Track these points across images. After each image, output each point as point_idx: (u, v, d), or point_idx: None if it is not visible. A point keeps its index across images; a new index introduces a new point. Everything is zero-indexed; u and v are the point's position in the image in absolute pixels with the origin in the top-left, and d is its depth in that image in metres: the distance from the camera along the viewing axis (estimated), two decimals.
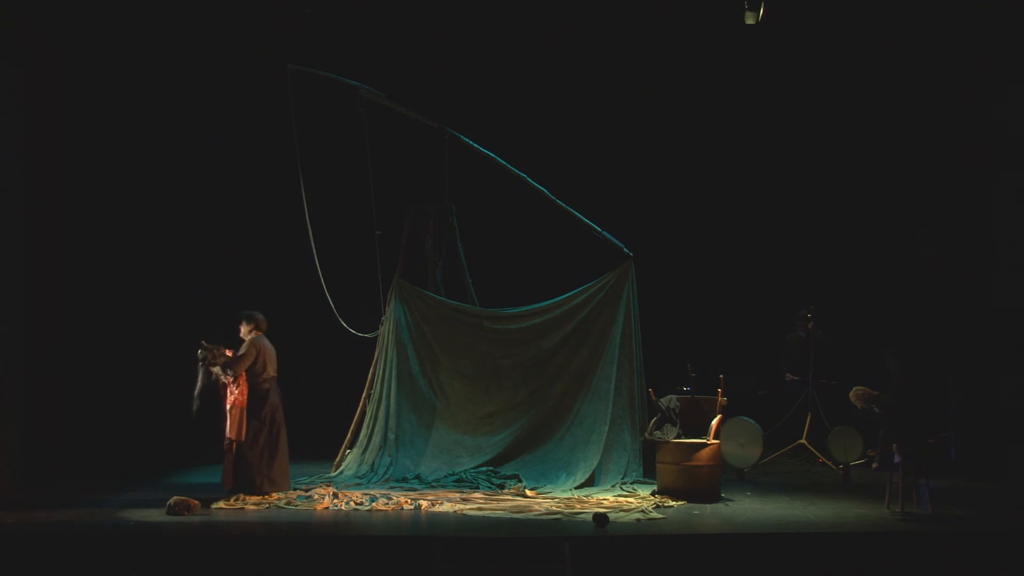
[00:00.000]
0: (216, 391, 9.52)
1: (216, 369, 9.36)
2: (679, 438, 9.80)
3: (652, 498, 9.57)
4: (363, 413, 11.09)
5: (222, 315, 12.41)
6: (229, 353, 9.44)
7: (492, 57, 12.42)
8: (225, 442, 9.42)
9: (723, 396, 9.88)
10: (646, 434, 9.95)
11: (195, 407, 9.45)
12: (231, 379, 9.37)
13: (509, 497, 9.66)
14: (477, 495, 9.74)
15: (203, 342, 9.37)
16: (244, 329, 9.68)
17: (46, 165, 10.76)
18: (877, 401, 9.83)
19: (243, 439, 9.35)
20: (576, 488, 10.06)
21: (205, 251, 12.54)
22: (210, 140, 12.41)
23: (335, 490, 9.82)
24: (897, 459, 9.20)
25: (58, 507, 9.10)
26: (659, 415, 10.01)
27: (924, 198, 12.12)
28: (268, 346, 9.67)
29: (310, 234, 10.93)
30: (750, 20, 10.98)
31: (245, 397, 9.39)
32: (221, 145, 12.46)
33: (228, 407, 9.43)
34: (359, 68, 11.37)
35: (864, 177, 12.60)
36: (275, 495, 9.43)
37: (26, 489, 9.89)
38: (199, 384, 9.39)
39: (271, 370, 9.60)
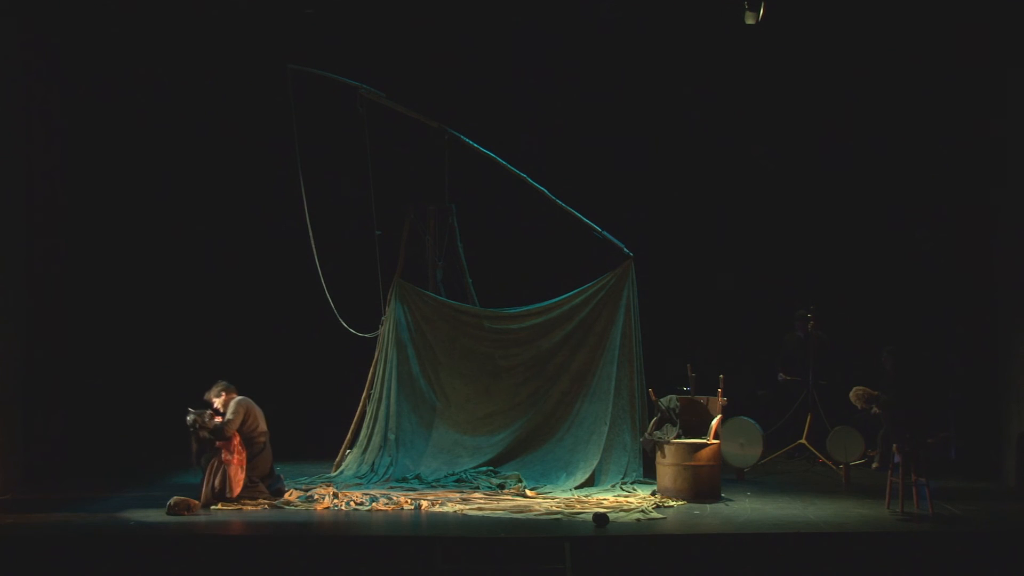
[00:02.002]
0: (210, 447, 9.30)
1: (205, 434, 9.19)
2: (679, 438, 9.80)
3: (652, 498, 9.57)
4: (363, 413, 11.08)
5: (219, 316, 12.54)
6: (218, 419, 9.27)
7: (492, 57, 12.41)
8: (216, 492, 9.17)
9: (723, 396, 9.88)
10: (646, 434, 9.95)
11: (198, 466, 9.33)
12: (223, 443, 9.21)
13: (509, 497, 9.66)
14: (477, 495, 9.74)
15: (190, 409, 9.23)
16: (219, 401, 9.40)
17: (46, 165, 10.76)
18: (877, 401, 9.83)
19: (235, 495, 9.19)
20: (576, 488, 10.06)
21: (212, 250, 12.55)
22: (210, 140, 12.41)
23: (335, 490, 9.82)
24: (897, 459, 9.20)
25: (58, 507, 9.10)
26: (659, 415, 10.02)
27: (925, 198, 12.10)
28: (253, 404, 9.51)
29: (310, 234, 10.93)
30: (750, 20, 10.97)
31: (242, 456, 9.25)
32: (221, 145, 12.46)
33: (219, 465, 9.21)
34: (359, 68, 11.37)
35: (864, 177, 12.58)
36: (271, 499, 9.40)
37: (25, 489, 9.89)
38: (194, 449, 9.27)
39: (263, 426, 9.48)
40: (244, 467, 9.26)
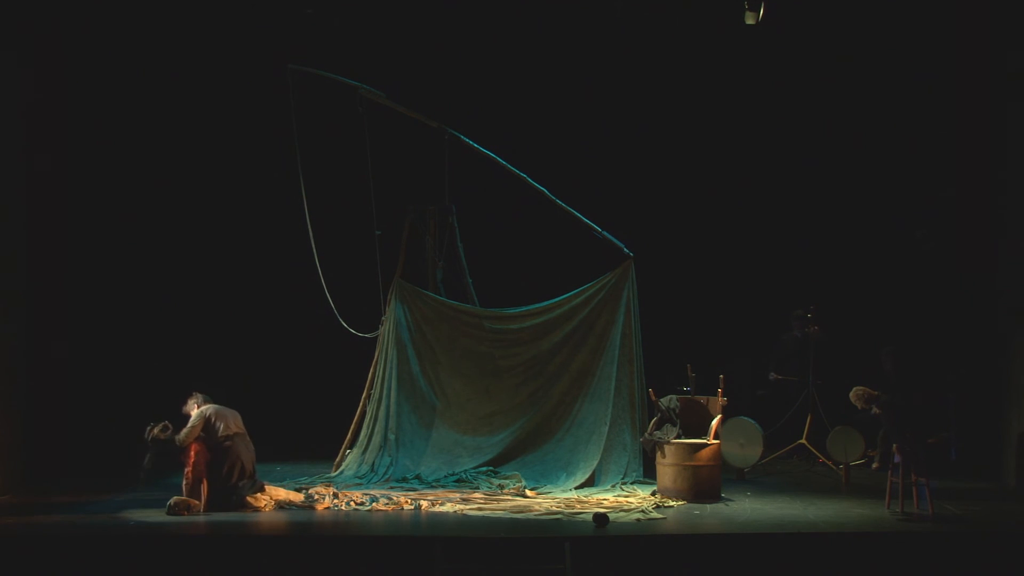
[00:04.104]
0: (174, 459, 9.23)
1: (164, 444, 9.10)
2: (679, 438, 9.80)
3: (652, 498, 9.58)
4: (363, 413, 11.08)
5: (220, 316, 12.54)
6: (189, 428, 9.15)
7: (492, 57, 12.41)
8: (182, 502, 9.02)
9: (723, 396, 9.88)
10: (646, 434, 9.95)
11: (142, 478, 9.27)
12: (183, 457, 9.09)
13: (509, 497, 9.66)
14: (477, 495, 9.74)
15: (151, 424, 9.14)
16: (194, 413, 9.31)
17: (47, 165, 10.75)
18: (877, 401, 9.83)
19: (203, 508, 9.00)
20: (576, 488, 10.06)
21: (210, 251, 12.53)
22: (210, 140, 12.41)
23: (335, 490, 9.82)
24: (897, 459, 9.21)
25: (58, 507, 9.10)
26: (659, 415, 10.02)
27: (924, 198, 12.10)
28: (222, 409, 9.34)
29: (310, 234, 10.94)
30: (750, 20, 10.98)
31: (203, 464, 9.08)
32: (221, 145, 12.45)
33: (185, 474, 9.08)
34: (359, 68, 11.37)
35: (864, 177, 12.59)
36: (272, 496, 9.36)
37: (25, 489, 9.89)
38: (148, 460, 9.14)
39: (227, 429, 9.23)
40: (205, 478, 9.05)
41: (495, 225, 12.27)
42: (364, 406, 11.10)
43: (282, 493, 9.46)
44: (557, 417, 10.68)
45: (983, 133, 11.04)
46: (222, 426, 9.25)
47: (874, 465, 11.19)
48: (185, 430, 9.14)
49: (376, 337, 11.15)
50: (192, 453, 9.10)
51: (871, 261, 12.55)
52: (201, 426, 9.18)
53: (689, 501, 9.46)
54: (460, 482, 10.26)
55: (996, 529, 8.53)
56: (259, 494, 9.23)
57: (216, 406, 9.38)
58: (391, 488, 10.12)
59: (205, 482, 9.07)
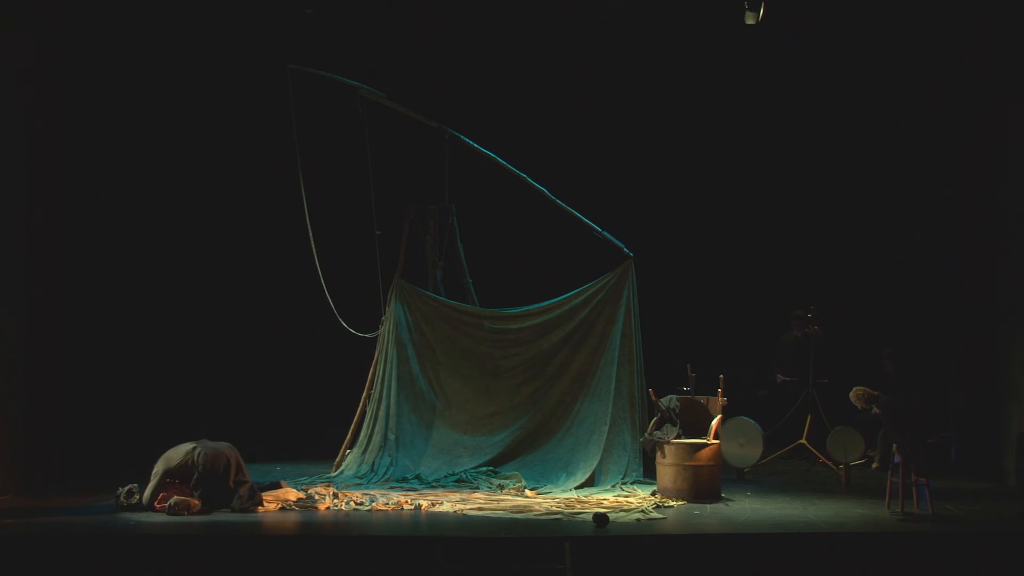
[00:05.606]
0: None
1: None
2: (679, 438, 9.80)
3: (652, 498, 9.58)
4: (363, 413, 11.09)
5: (220, 316, 12.53)
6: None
7: (492, 57, 12.41)
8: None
9: (723, 396, 9.88)
10: (646, 434, 9.95)
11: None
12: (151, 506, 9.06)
13: (509, 497, 9.66)
14: (477, 495, 9.74)
15: (119, 491, 9.04)
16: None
17: (45, 165, 10.74)
18: (877, 401, 9.84)
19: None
20: (576, 488, 10.06)
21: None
22: (210, 140, 12.40)
23: (335, 490, 9.83)
24: (897, 459, 9.21)
25: (58, 508, 9.10)
26: (659, 415, 10.02)
27: (924, 198, 12.10)
28: (172, 451, 9.14)
29: (310, 234, 10.94)
30: (750, 20, 10.98)
31: (167, 501, 8.94)
32: (221, 145, 12.45)
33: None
34: (359, 68, 11.37)
35: (864, 177, 12.59)
36: (274, 498, 9.35)
37: (25, 490, 9.89)
38: (124, 495, 9.08)
39: (184, 448, 9.10)
40: (190, 502, 8.95)
41: (495, 225, 12.27)
42: (364, 406, 11.11)
43: (293, 494, 9.45)
44: (557, 417, 10.69)
45: (983, 132, 11.03)
46: (179, 455, 9.08)
47: (874, 465, 11.19)
48: (147, 490, 9.02)
49: (376, 337, 11.15)
50: (157, 505, 8.95)
51: (871, 261, 12.54)
52: (162, 475, 9.04)
53: (689, 501, 9.46)
54: (460, 482, 10.26)
55: (996, 529, 8.53)
56: (260, 506, 9.16)
57: (166, 454, 9.16)
58: (391, 488, 10.13)
59: (191, 505, 8.93)
